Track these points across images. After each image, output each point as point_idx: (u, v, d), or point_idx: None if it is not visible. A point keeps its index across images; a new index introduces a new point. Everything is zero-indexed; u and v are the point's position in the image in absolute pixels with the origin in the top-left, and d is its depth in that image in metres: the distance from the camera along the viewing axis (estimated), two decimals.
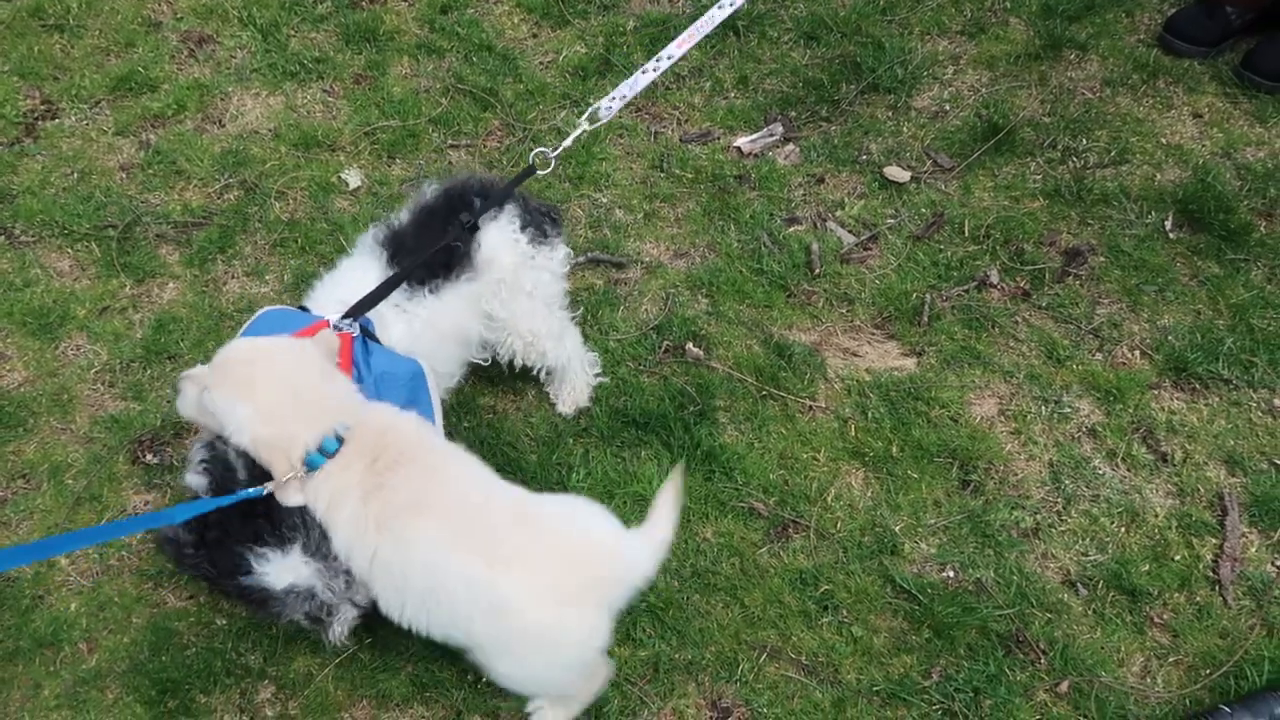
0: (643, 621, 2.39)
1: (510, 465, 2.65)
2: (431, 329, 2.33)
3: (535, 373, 2.70)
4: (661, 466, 2.68)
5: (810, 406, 2.85)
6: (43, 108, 3.56)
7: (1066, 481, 2.70)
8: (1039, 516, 2.63)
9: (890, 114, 3.76)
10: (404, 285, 2.28)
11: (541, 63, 3.81)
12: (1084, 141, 3.60)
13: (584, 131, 2.52)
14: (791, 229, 3.36)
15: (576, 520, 1.91)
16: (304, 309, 2.30)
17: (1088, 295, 3.14)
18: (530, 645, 1.85)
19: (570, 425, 2.78)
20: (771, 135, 3.70)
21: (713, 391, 2.86)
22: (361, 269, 2.33)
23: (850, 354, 3.01)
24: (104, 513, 2.56)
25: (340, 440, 1.89)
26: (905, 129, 3.72)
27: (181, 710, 2.22)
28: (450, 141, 3.57)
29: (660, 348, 2.98)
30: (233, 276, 3.13)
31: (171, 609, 2.40)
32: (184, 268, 3.13)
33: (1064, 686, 2.31)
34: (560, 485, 2.62)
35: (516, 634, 1.83)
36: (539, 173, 2.49)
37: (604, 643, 1.89)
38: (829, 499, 2.64)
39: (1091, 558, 2.54)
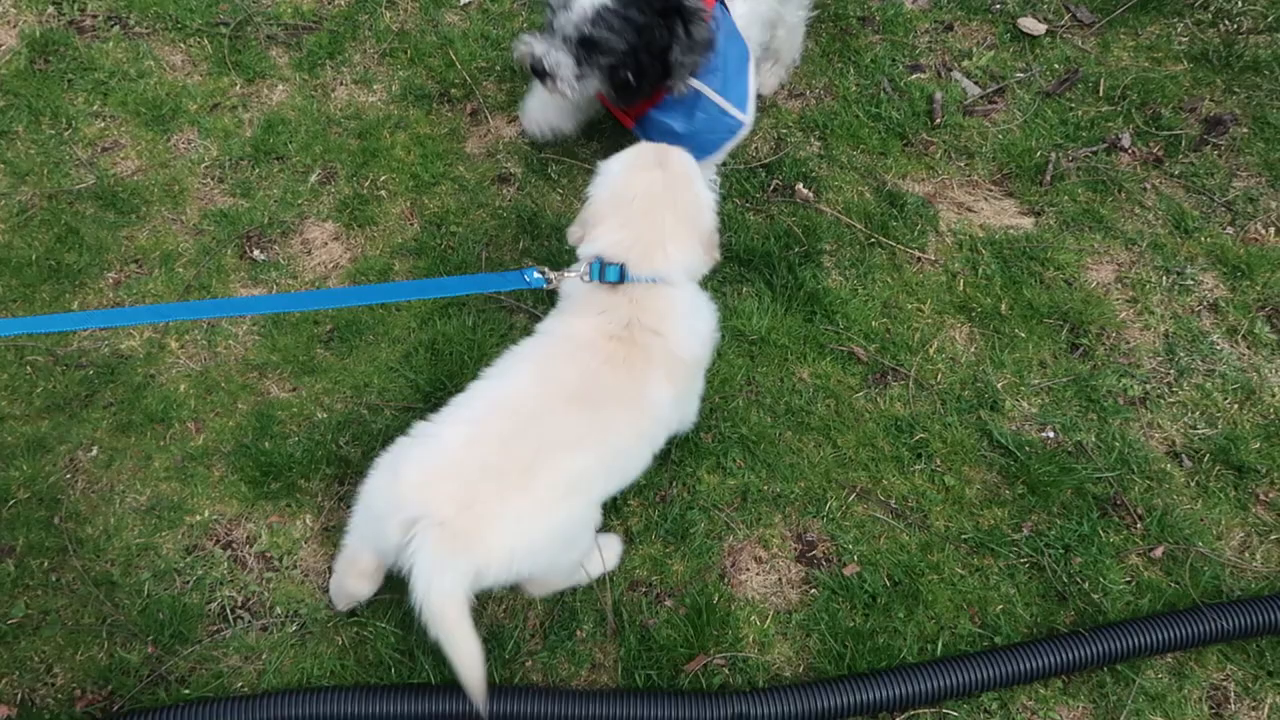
0: (734, 452, 2.39)
1: None
2: (755, 14, 2.50)
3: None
4: (762, 304, 2.63)
5: (919, 258, 2.76)
6: None
7: (1181, 354, 2.60)
8: (1148, 386, 2.55)
9: None
10: None
11: None
12: (1239, 3, 3.34)
13: None
14: (914, 76, 3.20)
15: None
16: None
17: (1225, 166, 2.97)
18: None
19: None
20: None
21: (820, 235, 2.78)
22: None
23: (965, 209, 2.89)
24: None
25: (621, 277, 1.95)
26: None
27: (284, 492, 2.30)
28: None
29: (769, 186, 2.90)
30: (341, 83, 3.09)
31: (274, 399, 2.46)
32: (293, 70, 3.10)
33: (1158, 552, 2.27)
34: None
35: None
36: None
37: None
38: (931, 351, 2.58)
39: (1200, 431, 2.47)
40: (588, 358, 1.91)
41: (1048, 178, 2.93)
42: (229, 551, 2.23)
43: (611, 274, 1.95)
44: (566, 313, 2.04)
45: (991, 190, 2.94)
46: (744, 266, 2.72)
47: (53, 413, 2.40)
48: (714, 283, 2.69)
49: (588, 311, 1.98)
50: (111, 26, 3.16)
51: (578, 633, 2.15)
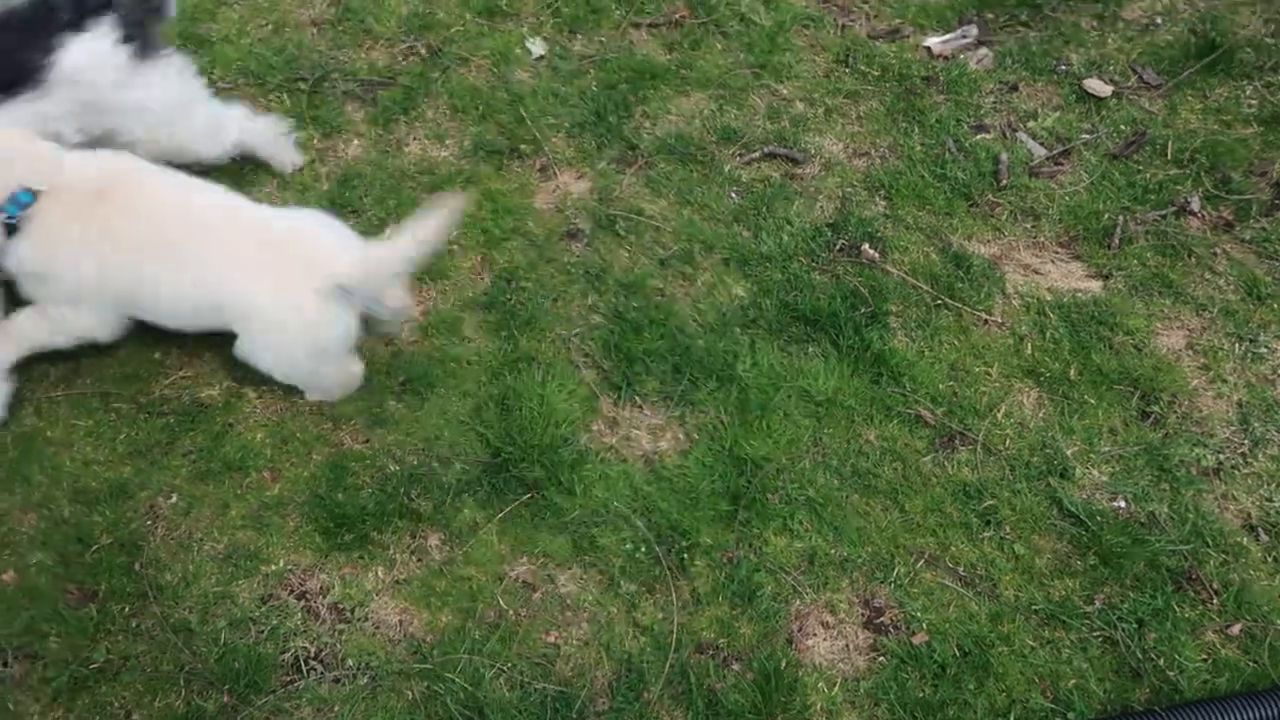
0: (800, 514, 2.40)
1: (678, 349, 2.66)
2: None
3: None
4: (829, 365, 2.64)
5: (985, 320, 2.76)
6: None
7: (1255, 424, 2.57)
8: (1222, 456, 2.52)
9: (1096, 23, 3.54)
10: None
11: None
12: None
13: None
14: (979, 137, 3.22)
15: (305, 233, 2.31)
16: None
17: None
18: (277, 335, 2.28)
19: (738, 315, 2.77)
20: (965, 37, 3.52)
21: (885, 295, 2.80)
22: None
23: (1032, 271, 2.89)
24: None
25: (33, 195, 2.18)
26: (1110, 40, 3.50)
27: (357, 544, 2.34)
28: (633, 18, 3.51)
29: (834, 246, 2.92)
30: (414, 138, 3.17)
31: (348, 450, 2.51)
32: (368, 125, 3.19)
33: (1235, 629, 2.24)
34: (727, 371, 2.62)
35: (266, 328, 2.27)
36: None
37: (338, 332, 2.29)
38: (999, 415, 2.58)
39: (1276, 504, 2.43)
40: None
41: (1116, 241, 2.92)
42: (303, 602, 2.27)
43: (24, 196, 2.17)
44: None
45: (1059, 253, 2.94)
46: (810, 326, 2.73)
47: (134, 459, 2.47)
48: (780, 341, 2.71)
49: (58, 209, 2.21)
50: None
51: (644, 694, 2.15)
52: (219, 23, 3.44)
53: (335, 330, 2.28)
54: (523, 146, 3.17)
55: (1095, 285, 2.85)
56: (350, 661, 2.18)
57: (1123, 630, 2.23)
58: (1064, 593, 2.29)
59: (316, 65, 3.32)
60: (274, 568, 2.31)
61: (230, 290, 2.24)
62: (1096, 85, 3.35)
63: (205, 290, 2.25)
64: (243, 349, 2.34)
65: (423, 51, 3.40)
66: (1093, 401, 2.59)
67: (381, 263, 2.27)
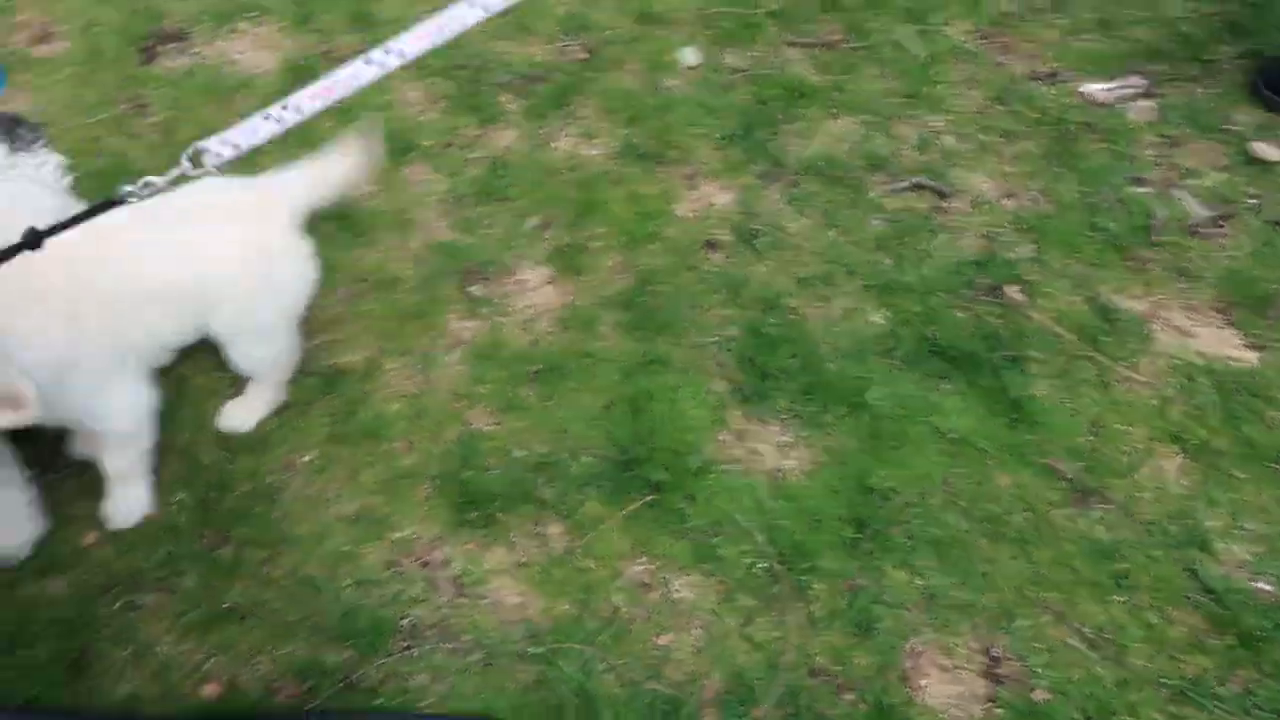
0: (924, 552, 2.36)
1: (811, 370, 2.64)
2: None
3: None
4: (965, 403, 2.60)
5: (1129, 378, 2.68)
6: None
7: None
8: None
9: None
10: None
11: None
12: None
13: (182, 173, 1.83)
14: (1135, 189, 3.14)
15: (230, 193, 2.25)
16: None
17: None
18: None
19: (873, 343, 2.74)
20: (1128, 87, 3.45)
21: (1026, 340, 2.74)
22: None
23: (1182, 332, 2.80)
24: (429, 330, 2.72)
25: None
26: None
27: (482, 522, 2.37)
28: (788, 37, 3.51)
29: (977, 285, 2.87)
30: (565, 135, 3.22)
31: (478, 430, 2.54)
32: (521, 118, 3.25)
33: None
34: (858, 398, 2.59)
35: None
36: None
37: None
38: (1138, 477, 2.49)
39: None
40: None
41: (1275, 312, 2.82)
42: (425, 571, 2.30)
43: None
44: None
45: (1213, 317, 2.84)
46: (947, 363, 2.69)
47: (276, 413, 2.54)
48: (916, 374, 2.67)
49: None
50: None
51: (754, 711, 2.13)
52: (384, 4, 3.54)
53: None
54: (669, 153, 3.20)
55: (1251, 355, 2.74)
56: (466, 636, 2.21)
57: (1258, 718, 2.13)
58: (1197, 670, 2.20)
59: (475, 54, 3.40)
60: (400, 535, 2.35)
61: (217, 265, 2.20)
62: (1265, 149, 3.24)
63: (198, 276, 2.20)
64: (233, 326, 2.31)
65: (579, 51, 3.45)
66: (1241, 476, 2.50)
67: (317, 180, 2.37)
